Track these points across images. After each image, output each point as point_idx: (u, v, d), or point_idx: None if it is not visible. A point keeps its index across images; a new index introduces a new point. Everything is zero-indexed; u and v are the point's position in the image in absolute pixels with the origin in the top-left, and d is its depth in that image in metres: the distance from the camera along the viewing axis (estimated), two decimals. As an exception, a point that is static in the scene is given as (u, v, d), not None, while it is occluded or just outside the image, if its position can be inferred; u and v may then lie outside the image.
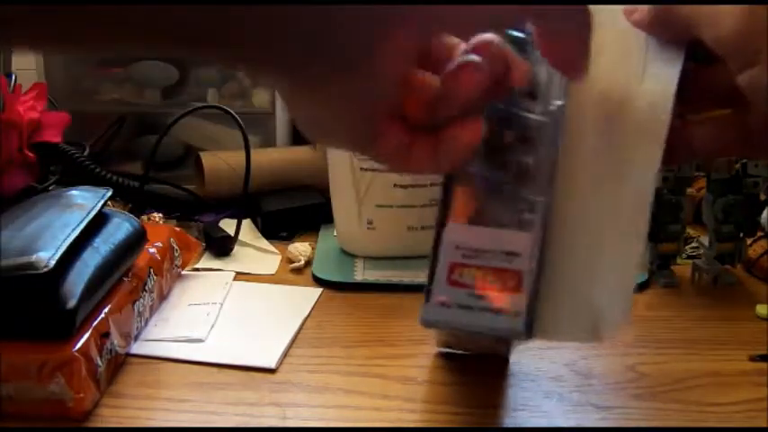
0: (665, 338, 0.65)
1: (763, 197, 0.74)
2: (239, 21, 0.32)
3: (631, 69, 0.41)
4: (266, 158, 0.92)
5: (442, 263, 0.40)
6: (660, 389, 0.57)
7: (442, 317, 0.41)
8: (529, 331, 0.40)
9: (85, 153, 0.89)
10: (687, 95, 0.41)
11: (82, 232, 0.59)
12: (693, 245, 0.82)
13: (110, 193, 0.67)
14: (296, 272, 0.78)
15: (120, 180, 0.87)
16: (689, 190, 0.76)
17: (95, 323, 0.55)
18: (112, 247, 0.61)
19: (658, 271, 0.76)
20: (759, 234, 0.76)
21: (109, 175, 0.87)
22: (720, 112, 0.42)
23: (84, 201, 0.64)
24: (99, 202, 0.64)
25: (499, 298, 0.39)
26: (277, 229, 0.86)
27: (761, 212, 0.75)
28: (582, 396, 0.56)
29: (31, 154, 0.81)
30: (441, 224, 0.41)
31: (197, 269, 0.77)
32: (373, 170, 0.75)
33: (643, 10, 0.42)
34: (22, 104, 0.81)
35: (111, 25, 0.31)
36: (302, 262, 0.78)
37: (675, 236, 0.75)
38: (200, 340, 0.63)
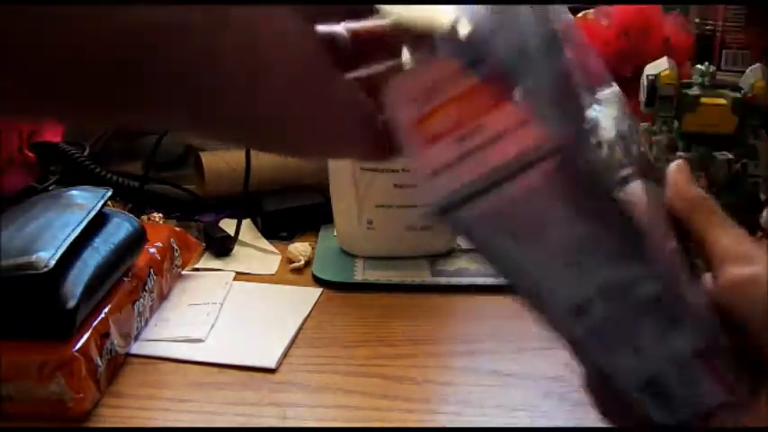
0: (665, 338, 0.65)
1: (763, 197, 0.74)
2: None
3: None
4: (266, 158, 0.92)
5: (403, 126, 0.29)
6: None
7: (453, 192, 0.28)
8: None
9: (85, 153, 0.89)
10: None
11: (82, 232, 0.59)
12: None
13: (110, 193, 0.67)
14: (296, 272, 0.78)
15: (120, 180, 0.87)
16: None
17: (95, 323, 0.55)
18: (112, 247, 0.61)
19: (658, 271, 0.76)
20: (759, 234, 0.76)
21: (109, 175, 0.87)
22: None
23: (84, 201, 0.64)
24: (99, 202, 0.64)
25: (503, 115, 0.27)
26: (277, 229, 0.86)
27: (761, 212, 0.75)
28: (582, 396, 0.56)
29: (31, 154, 0.81)
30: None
31: (197, 269, 0.77)
32: (373, 170, 0.75)
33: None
34: (22, 104, 0.81)
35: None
36: (302, 262, 0.78)
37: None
38: (200, 340, 0.63)
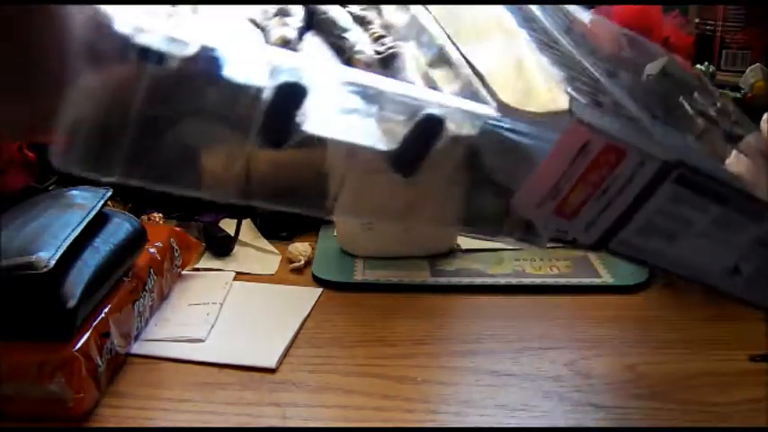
0: (664, 338, 0.65)
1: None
2: None
3: None
4: (266, 158, 0.92)
5: (543, 218, 0.35)
6: (660, 389, 0.57)
7: (605, 231, 0.36)
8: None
9: (85, 153, 0.89)
10: None
11: (82, 232, 0.59)
12: (693, 245, 0.82)
13: (110, 193, 0.67)
14: (296, 272, 0.78)
15: (120, 180, 0.87)
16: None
17: (95, 323, 0.55)
18: (112, 247, 0.61)
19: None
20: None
21: (109, 175, 0.87)
22: None
23: (84, 201, 0.64)
24: (99, 202, 0.64)
25: (626, 163, 0.34)
26: (277, 229, 0.86)
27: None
28: (582, 396, 0.56)
29: (31, 154, 0.81)
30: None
31: (197, 269, 0.77)
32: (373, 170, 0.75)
33: None
34: (22, 104, 0.81)
35: None
36: (302, 262, 0.78)
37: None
38: (200, 340, 0.63)
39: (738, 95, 0.83)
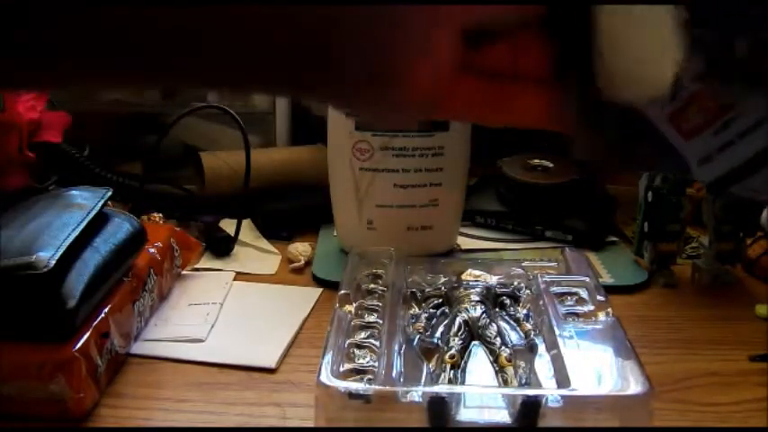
0: (664, 338, 0.65)
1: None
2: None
3: None
4: (266, 158, 0.92)
5: (662, 127, 0.33)
6: (660, 389, 0.57)
7: (723, 176, 0.34)
8: None
9: (85, 153, 0.89)
10: None
11: (82, 232, 0.59)
12: (693, 245, 0.82)
13: (110, 193, 0.67)
14: (296, 272, 0.78)
15: (120, 180, 0.87)
16: (689, 190, 0.76)
17: (95, 323, 0.55)
18: (112, 247, 0.61)
19: (658, 271, 0.76)
20: (759, 234, 0.76)
21: (109, 175, 0.87)
22: None
23: (84, 201, 0.64)
24: (99, 202, 0.64)
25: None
26: (277, 229, 0.86)
27: (761, 212, 0.75)
28: (582, 396, 0.56)
29: (31, 154, 0.81)
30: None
31: (197, 269, 0.77)
32: (373, 170, 0.75)
33: None
34: (22, 104, 0.81)
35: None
36: (302, 262, 0.78)
37: (675, 236, 0.75)
38: (200, 340, 0.63)
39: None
